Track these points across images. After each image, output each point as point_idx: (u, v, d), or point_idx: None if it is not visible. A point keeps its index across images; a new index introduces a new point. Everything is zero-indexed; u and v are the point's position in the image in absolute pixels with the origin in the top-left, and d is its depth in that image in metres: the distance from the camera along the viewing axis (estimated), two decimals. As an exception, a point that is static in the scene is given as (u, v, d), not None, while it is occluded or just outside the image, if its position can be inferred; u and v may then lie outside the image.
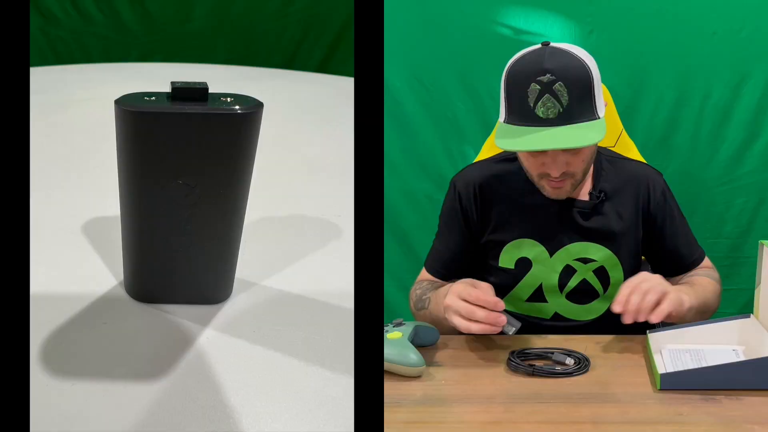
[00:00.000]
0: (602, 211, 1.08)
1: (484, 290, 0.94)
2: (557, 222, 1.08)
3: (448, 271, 1.13)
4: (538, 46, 0.99)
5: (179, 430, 0.62)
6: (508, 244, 1.09)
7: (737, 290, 1.64)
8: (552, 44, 0.98)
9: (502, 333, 0.92)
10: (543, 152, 1.00)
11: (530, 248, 1.08)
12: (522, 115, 0.97)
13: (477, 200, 1.10)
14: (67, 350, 0.70)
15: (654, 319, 0.92)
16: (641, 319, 0.92)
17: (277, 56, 2.57)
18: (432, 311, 1.04)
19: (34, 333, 0.71)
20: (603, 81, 1.04)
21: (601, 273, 1.08)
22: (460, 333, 0.97)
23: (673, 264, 1.12)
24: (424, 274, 1.16)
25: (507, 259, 1.09)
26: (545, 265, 1.08)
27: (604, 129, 0.97)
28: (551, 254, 1.08)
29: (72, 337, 0.72)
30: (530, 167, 1.04)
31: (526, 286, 1.09)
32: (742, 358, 0.89)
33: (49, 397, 0.64)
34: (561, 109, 0.95)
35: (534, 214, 1.08)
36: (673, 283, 1.01)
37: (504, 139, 0.98)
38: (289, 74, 1.87)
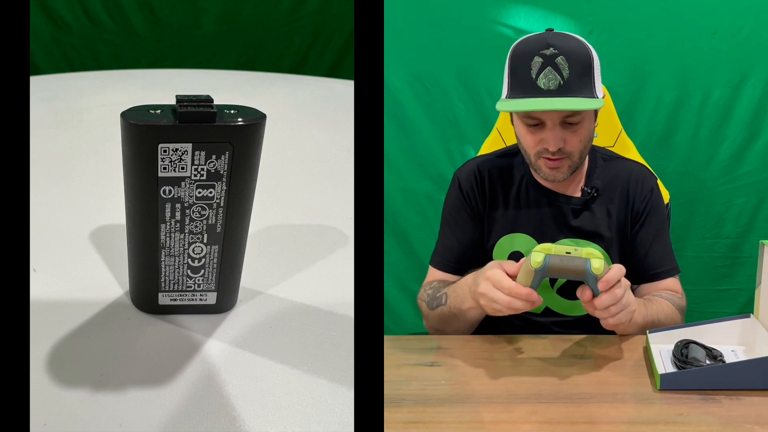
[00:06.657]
0: (592, 209, 1.08)
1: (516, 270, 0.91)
2: (550, 218, 1.08)
3: (460, 265, 1.10)
4: (542, 31, 1.03)
5: None
6: (502, 238, 1.09)
7: (737, 290, 1.63)
8: (555, 31, 1.03)
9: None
10: (541, 127, 1.01)
11: (524, 243, 1.08)
12: (524, 87, 0.99)
13: (478, 187, 1.11)
14: (70, 358, 0.70)
15: (605, 324, 0.90)
16: (599, 315, 0.90)
17: (287, 61, 2.57)
18: (451, 306, 1.01)
19: (37, 341, 0.71)
20: (603, 81, 1.04)
21: None
22: (477, 332, 0.98)
23: (639, 271, 1.09)
24: (432, 274, 1.13)
25: (500, 252, 1.10)
26: None
27: (602, 104, 1.01)
28: None
29: (75, 346, 0.72)
30: (528, 145, 1.04)
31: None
32: (742, 358, 0.89)
33: (50, 405, 0.64)
34: (561, 81, 0.98)
35: (529, 208, 1.09)
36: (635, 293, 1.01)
37: (505, 104, 1.01)
38: (298, 79, 1.87)
